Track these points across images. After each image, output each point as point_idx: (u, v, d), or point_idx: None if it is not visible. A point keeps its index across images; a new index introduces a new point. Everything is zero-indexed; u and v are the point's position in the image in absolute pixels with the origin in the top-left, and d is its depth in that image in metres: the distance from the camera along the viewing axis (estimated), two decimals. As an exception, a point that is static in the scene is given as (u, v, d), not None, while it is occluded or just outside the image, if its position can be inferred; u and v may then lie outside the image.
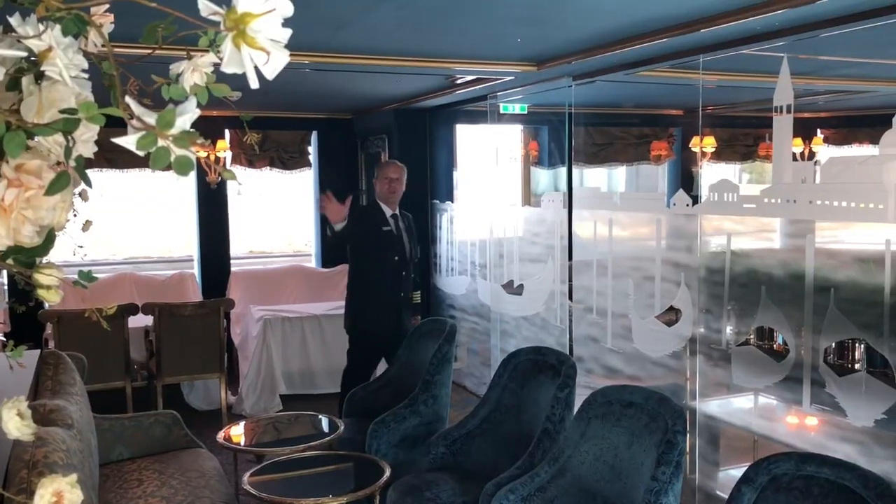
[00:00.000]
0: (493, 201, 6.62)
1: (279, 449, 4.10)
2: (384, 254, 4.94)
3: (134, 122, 0.85)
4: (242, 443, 4.40)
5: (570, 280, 5.42)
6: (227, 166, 7.72)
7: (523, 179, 8.22)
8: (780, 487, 2.27)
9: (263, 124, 7.70)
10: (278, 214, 11.31)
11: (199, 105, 1.05)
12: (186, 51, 1.04)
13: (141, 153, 0.85)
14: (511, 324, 6.19)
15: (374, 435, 4.13)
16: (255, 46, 0.96)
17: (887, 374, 3.43)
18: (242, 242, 9.73)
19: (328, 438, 4.20)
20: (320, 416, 4.67)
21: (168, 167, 0.88)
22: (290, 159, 7.97)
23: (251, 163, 7.85)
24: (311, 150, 8.16)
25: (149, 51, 1.08)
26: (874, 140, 3.41)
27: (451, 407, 5.10)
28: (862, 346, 3.70)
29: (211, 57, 1.03)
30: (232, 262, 8.07)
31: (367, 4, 3.35)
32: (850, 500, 2.11)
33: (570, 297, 5.43)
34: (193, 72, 1.05)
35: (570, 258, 5.36)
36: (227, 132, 7.56)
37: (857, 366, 3.73)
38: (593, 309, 5.08)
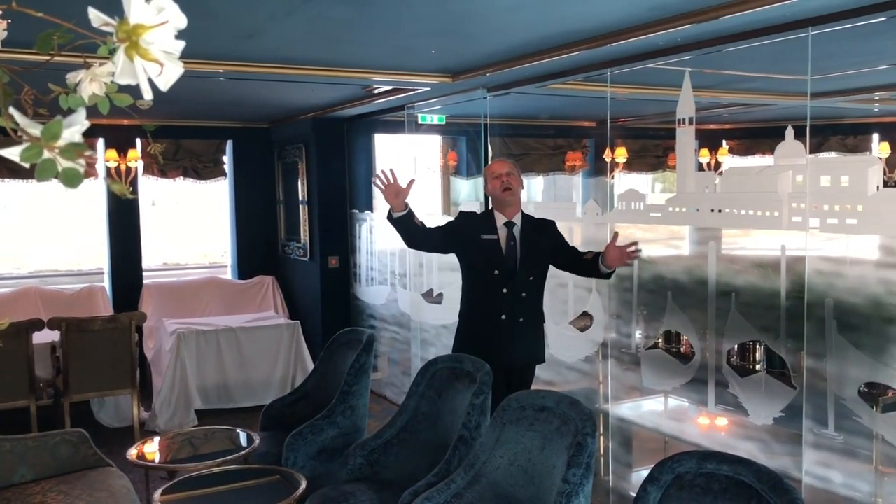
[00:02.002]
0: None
1: (192, 465, 4.01)
2: (481, 267, 4.00)
3: (19, 133, 0.84)
4: (157, 460, 4.28)
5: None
6: (139, 176, 7.53)
7: (443, 189, 8.28)
8: (683, 485, 2.36)
9: (177, 133, 7.54)
10: (194, 225, 11.08)
11: (106, 114, 1.04)
12: (84, 59, 1.03)
13: (27, 165, 0.84)
14: (431, 332, 6.22)
15: (290, 448, 4.09)
16: (149, 58, 0.96)
17: (785, 374, 3.62)
18: (156, 254, 9.48)
19: (243, 452, 4.13)
20: (238, 431, 4.59)
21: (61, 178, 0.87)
22: (204, 169, 7.81)
23: (164, 173, 7.66)
24: (227, 159, 8.03)
25: (46, 58, 1.06)
26: (773, 151, 3.60)
27: (371, 417, 5.10)
28: (761, 347, 3.87)
29: (110, 66, 1.02)
30: (145, 274, 7.86)
31: (274, 15, 3.33)
32: (746, 495, 2.22)
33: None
34: (92, 81, 1.04)
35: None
36: (138, 141, 7.36)
37: (757, 367, 3.91)
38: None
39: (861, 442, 3.27)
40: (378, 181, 3.88)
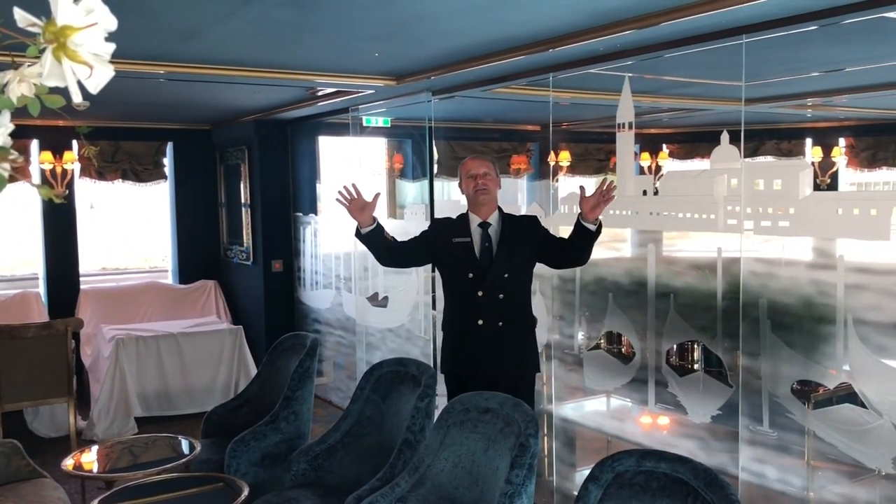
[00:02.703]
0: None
1: (130, 474, 3.91)
2: (455, 272, 3.74)
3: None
4: (94, 469, 4.17)
5: (434, 290, 5.51)
6: (76, 178, 7.34)
7: (388, 192, 8.27)
8: (624, 483, 2.41)
9: (115, 134, 7.38)
10: (134, 229, 10.83)
11: (37, 115, 1.01)
12: (12, 58, 1.00)
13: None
14: (377, 336, 6.21)
15: (233, 454, 4.03)
16: (77, 60, 0.94)
17: (721, 372, 3.71)
18: (94, 259, 9.24)
19: (184, 460, 4.06)
20: (179, 438, 4.51)
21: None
22: (144, 171, 7.65)
23: (102, 175, 7.47)
24: (167, 161, 7.88)
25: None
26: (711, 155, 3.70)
27: (316, 422, 5.06)
28: (699, 347, 3.97)
29: (39, 67, 1.00)
30: (82, 279, 7.65)
31: (216, 16, 3.29)
32: (683, 492, 2.27)
33: (434, 307, 5.52)
34: (20, 82, 1.02)
35: (433, 268, 5.45)
36: (74, 143, 7.17)
37: (695, 366, 4.00)
38: (455, 319, 5.17)
39: (794, 438, 3.38)
40: (341, 197, 3.66)
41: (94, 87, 0.95)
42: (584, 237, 3.52)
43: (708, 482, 2.21)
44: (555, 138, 7.93)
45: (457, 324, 3.75)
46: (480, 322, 3.64)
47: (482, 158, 3.91)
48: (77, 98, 0.95)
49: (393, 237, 3.78)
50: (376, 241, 3.70)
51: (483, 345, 3.64)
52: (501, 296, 3.65)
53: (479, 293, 3.65)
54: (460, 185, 3.86)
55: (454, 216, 3.85)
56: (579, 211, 3.49)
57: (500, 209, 3.81)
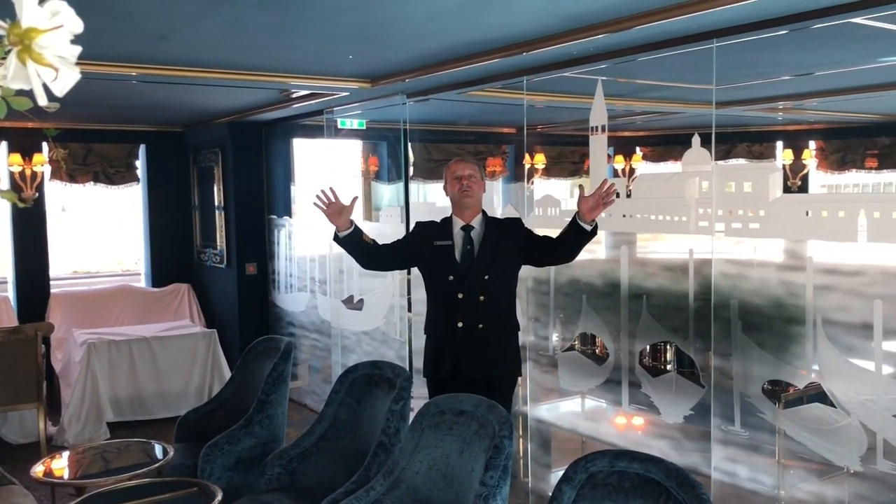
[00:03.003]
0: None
1: (101, 480, 3.87)
2: (436, 275, 3.74)
3: None
4: (65, 476, 4.12)
5: (409, 293, 5.51)
6: (46, 181, 7.24)
7: (364, 194, 8.25)
8: (597, 484, 2.42)
9: (87, 137, 7.29)
10: (106, 231, 10.73)
11: (3, 117, 1.00)
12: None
13: None
14: (352, 339, 6.19)
15: (206, 459, 4.00)
16: (43, 63, 0.93)
17: (694, 373, 3.75)
18: (65, 262, 9.13)
19: (157, 465, 4.02)
20: (152, 443, 4.46)
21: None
22: (116, 174, 7.57)
23: (73, 178, 7.38)
24: (140, 164, 7.80)
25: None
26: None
27: (291, 426, 5.04)
28: (672, 348, 4.01)
29: (4, 69, 0.99)
30: (53, 283, 7.55)
31: (189, 17, 3.27)
32: (656, 492, 2.29)
33: (410, 310, 5.52)
34: (-16, 84, 1.00)
35: (409, 271, 5.45)
36: (44, 145, 7.07)
37: (668, 367, 4.04)
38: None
39: (765, 437, 3.42)
40: (318, 201, 3.66)
41: (60, 90, 0.94)
42: (580, 236, 3.48)
43: (680, 482, 2.23)
44: (529, 141, 7.97)
45: (438, 326, 3.74)
46: (460, 324, 3.63)
47: (468, 161, 3.89)
48: (42, 101, 0.94)
49: (373, 240, 3.77)
50: (354, 244, 3.71)
51: (463, 347, 3.62)
52: (482, 298, 3.63)
53: (460, 295, 3.64)
54: (445, 188, 3.85)
55: (438, 220, 3.85)
56: (577, 210, 3.45)
57: (484, 212, 3.80)
